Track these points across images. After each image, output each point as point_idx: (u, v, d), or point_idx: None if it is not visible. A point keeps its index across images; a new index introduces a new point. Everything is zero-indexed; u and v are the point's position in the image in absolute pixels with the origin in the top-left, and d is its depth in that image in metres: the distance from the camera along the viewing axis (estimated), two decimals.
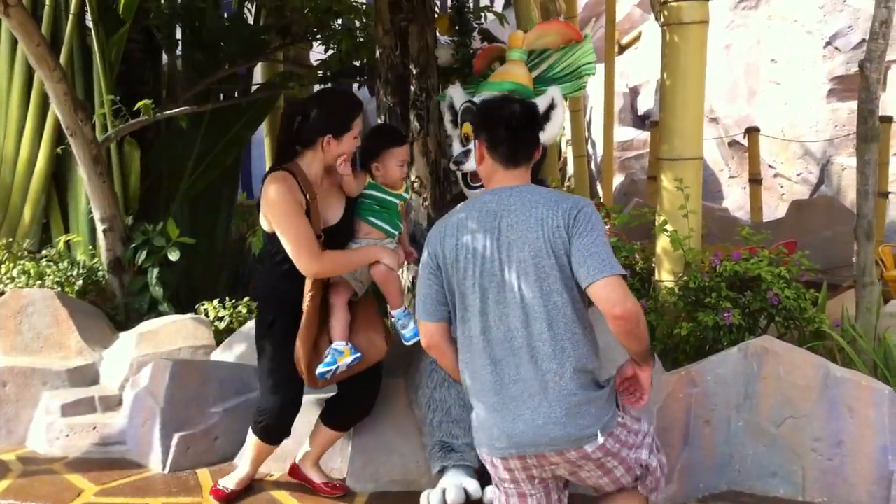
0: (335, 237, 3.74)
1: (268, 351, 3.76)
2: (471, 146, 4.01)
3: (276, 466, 4.15)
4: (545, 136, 4.02)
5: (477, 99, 4.12)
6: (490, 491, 3.62)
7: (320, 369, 3.67)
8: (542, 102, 4.02)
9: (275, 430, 3.83)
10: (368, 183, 3.91)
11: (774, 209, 11.08)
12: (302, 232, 3.54)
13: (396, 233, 3.95)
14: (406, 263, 4.17)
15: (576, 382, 2.75)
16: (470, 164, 4.02)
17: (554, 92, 4.06)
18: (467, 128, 4.12)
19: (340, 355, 3.70)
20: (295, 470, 4.04)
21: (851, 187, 10.55)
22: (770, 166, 11.51)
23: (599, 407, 2.76)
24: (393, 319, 3.88)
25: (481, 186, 3.96)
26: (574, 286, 2.79)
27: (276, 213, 3.55)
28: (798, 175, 11.39)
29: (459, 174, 4.17)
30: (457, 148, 4.21)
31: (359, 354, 3.73)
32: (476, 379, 2.86)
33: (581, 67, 4.20)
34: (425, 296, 2.98)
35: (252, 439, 3.91)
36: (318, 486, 3.96)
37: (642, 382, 2.90)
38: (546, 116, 4.02)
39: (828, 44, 10.96)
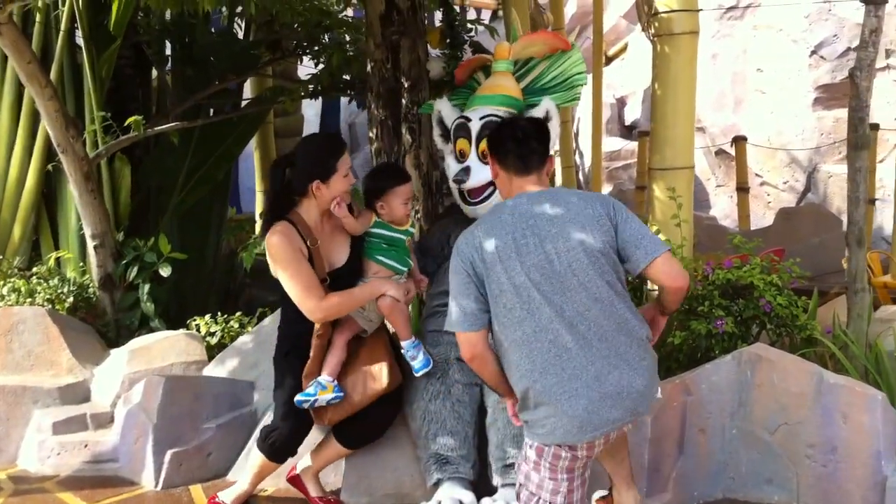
0: (344, 278, 3.80)
1: (283, 379, 3.80)
2: (469, 163, 4.04)
3: (271, 482, 4.13)
4: None
5: (470, 115, 4.12)
6: (485, 503, 3.63)
7: (298, 397, 3.68)
8: (536, 114, 4.05)
9: (282, 450, 3.83)
10: (374, 222, 3.94)
11: (762, 217, 11.13)
12: (304, 280, 3.61)
13: (405, 269, 3.99)
14: (418, 293, 4.17)
15: (643, 349, 2.98)
16: (471, 182, 4.03)
17: (548, 103, 4.07)
18: (462, 144, 4.12)
19: (322, 389, 3.70)
20: (295, 478, 4.02)
21: (837, 194, 10.64)
22: (757, 175, 11.57)
23: (656, 367, 3.07)
24: (403, 351, 3.89)
25: (480, 202, 4.04)
26: (619, 266, 3.01)
27: (279, 263, 3.63)
28: (785, 183, 11.45)
29: (456, 190, 4.18)
30: (452, 164, 4.18)
31: (341, 394, 3.72)
32: (547, 373, 2.90)
33: (572, 77, 4.21)
34: (464, 306, 3.01)
35: (257, 456, 3.88)
36: (314, 499, 3.94)
37: (659, 327, 3.28)
38: None
39: (813, 52, 11.05)
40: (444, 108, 4.34)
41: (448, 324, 3.06)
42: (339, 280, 3.77)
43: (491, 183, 3.97)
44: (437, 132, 4.40)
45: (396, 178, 3.95)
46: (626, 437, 3.43)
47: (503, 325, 2.97)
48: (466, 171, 4.05)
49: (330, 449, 3.92)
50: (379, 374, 3.79)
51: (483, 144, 4.01)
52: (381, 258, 3.94)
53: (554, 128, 4.03)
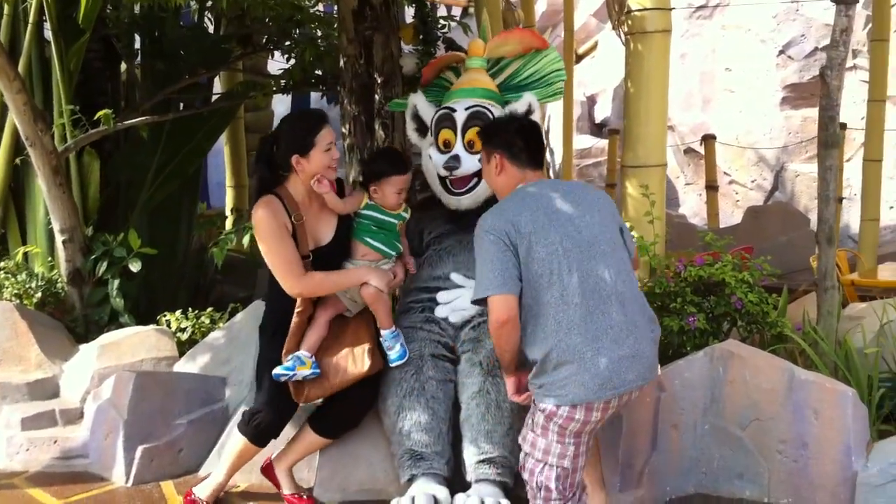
0: (329, 256, 3.82)
1: (268, 358, 3.79)
2: (456, 151, 4.04)
3: (242, 477, 4.11)
4: None
5: (454, 105, 4.11)
6: (459, 499, 3.63)
7: (277, 370, 3.68)
8: (518, 108, 4.06)
9: (266, 432, 3.82)
10: (366, 203, 3.94)
11: (730, 215, 11.23)
12: (284, 254, 3.65)
13: (394, 253, 4.00)
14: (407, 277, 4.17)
15: (652, 322, 3.30)
16: (463, 169, 4.03)
17: (530, 97, 4.09)
18: (447, 134, 4.11)
19: (301, 364, 3.70)
20: (268, 468, 4.00)
21: (805, 193, 10.76)
22: (725, 173, 11.67)
23: (658, 343, 3.36)
24: (381, 339, 3.89)
25: (465, 192, 4.07)
26: (627, 247, 3.37)
27: (261, 236, 3.68)
28: (753, 182, 11.56)
29: (438, 182, 4.16)
30: (435, 155, 4.16)
31: (318, 371, 3.73)
32: (572, 332, 3.09)
33: (550, 74, 4.22)
34: (503, 271, 3.15)
35: (238, 441, 3.86)
36: (287, 497, 3.92)
37: None
38: None
39: (781, 52, 11.16)
40: (420, 103, 4.32)
41: (484, 289, 3.16)
42: (323, 258, 3.79)
43: (476, 174, 3.99)
44: (411, 127, 4.37)
45: (394, 167, 3.95)
46: (599, 441, 3.55)
47: (535, 289, 3.15)
48: (456, 158, 4.04)
49: (305, 440, 3.91)
50: (361, 357, 3.80)
51: (469, 134, 4.03)
52: (369, 240, 3.94)
53: (536, 120, 4.06)
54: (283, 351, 3.72)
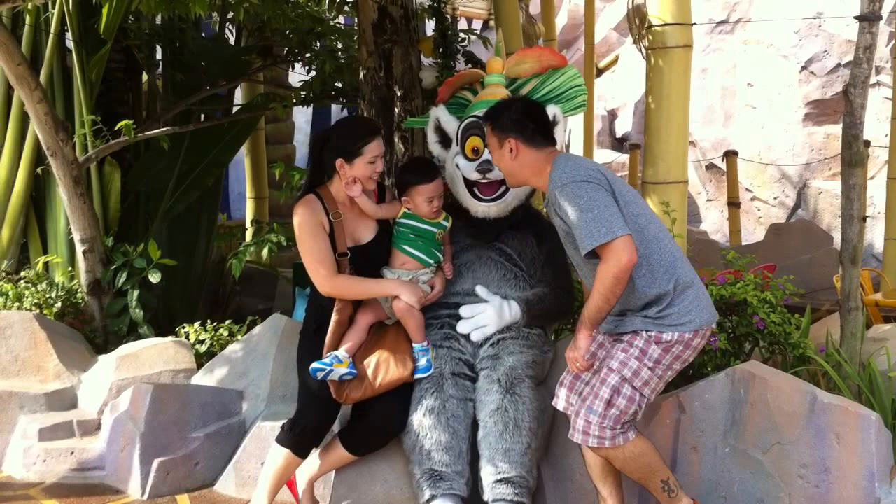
0: (367, 258, 3.91)
1: (306, 360, 3.79)
2: (487, 157, 3.97)
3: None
4: None
5: (481, 113, 4.00)
6: None
7: (314, 365, 3.69)
8: None
9: (308, 440, 3.81)
10: (403, 212, 3.96)
11: (752, 232, 11.16)
12: (316, 252, 3.75)
13: (433, 262, 4.00)
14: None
15: None
16: (496, 172, 3.93)
17: (554, 109, 4.06)
18: (476, 141, 4.08)
19: (339, 362, 3.71)
20: (291, 482, 3.96)
21: (828, 211, 10.67)
22: (747, 189, 11.60)
23: None
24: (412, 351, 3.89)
25: (494, 200, 4.05)
26: None
27: (298, 234, 3.79)
28: (775, 198, 11.48)
29: (466, 189, 4.13)
30: (463, 163, 4.12)
31: (355, 372, 3.74)
32: (682, 260, 3.43)
33: (570, 90, 4.19)
34: (616, 212, 3.25)
35: (277, 458, 3.82)
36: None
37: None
38: None
39: (803, 68, 11.09)
40: (443, 115, 4.31)
41: (605, 233, 3.18)
42: (364, 256, 3.88)
43: (503, 181, 3.96)
44: (433, 139, 4.36)
45: (421, 175, 3.95)
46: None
47: (638, 228, 3.32)
48: (489, 162, 3.96)
49: (333, 454, 3.88)
50: (403, 360, 3.82)
51: None
52: (407, 248, 3.96)
53: (559, 132, 4.03)
54: (324, 349, 3.75)
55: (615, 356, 3.42)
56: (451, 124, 4.28)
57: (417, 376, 3.85)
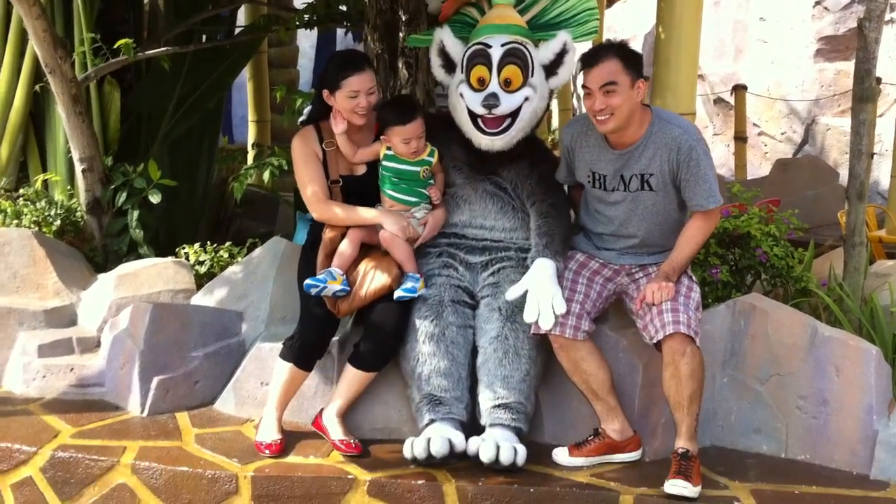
0: (361, 188, 4.02)
1: (304, 275, 3.89)
2: (493, 89, 3.85)
3: (256, 413, 4.11)
4: (557, 80, 4.02)
5: (490, 41, 3.90)
6: (474, 442, 3.62)
7: (308, 281, 3.76)
8: (553, 46, 3.93)
9: (309, 351, 3.87)
10: (384, 154, 3.94)
11: (758, 168, 11.11)
12: (308, 179, 3.95)
13: (419, 201, 3.99)
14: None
15: None
16: (502, 108, 3.85)
17: (565, 36, 3.94)
18: (482, 70, 3.90)
19: (332, 279, 3.78)
20: (317, 420, 3.96)
21: (835, 147, 10.60)
22: (755, 125, 11.51)
23: None
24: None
25: (498, 133, 3.90)
26: None
27: (293, 160, 4.03)
28: (782, 134, 11.40)
29: (470, 121, 3.94)
30: (468, 93, 3.93)
31: (348, 288, 3.79)
32: None
33: (581, 14, 4.04)
34: None
35: (282, 372, 3.89)
36: (333, 442, 3.83)
37: None
38: (559, 62, 3.95)
39: (817, 3, 10.93)
40: (447, 38, 4.09)
41: (718, 198, 3.69)
42: (356, 187, 4.02)
43: (511, 115, 3.88)
44: (437, 63, 4.16)
45: (399, 115, 3.91)
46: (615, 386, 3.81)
47: None
48: (495, 96, 3.84)
49: (346, 378, 3.88)
50: (388, 268, 3.87)
51: (506, 72, 3.86)
52: (390, 192, 3.97)
53: (571, 60, 3.96)
54: (317, 265, 3.87)
55: (681, 281, 3.68)
56: (455, 48, 4.08)
57: (398, 294, 3.80)
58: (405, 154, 3.92)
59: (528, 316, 3.67)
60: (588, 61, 3.68)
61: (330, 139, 3.98)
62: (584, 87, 3.67)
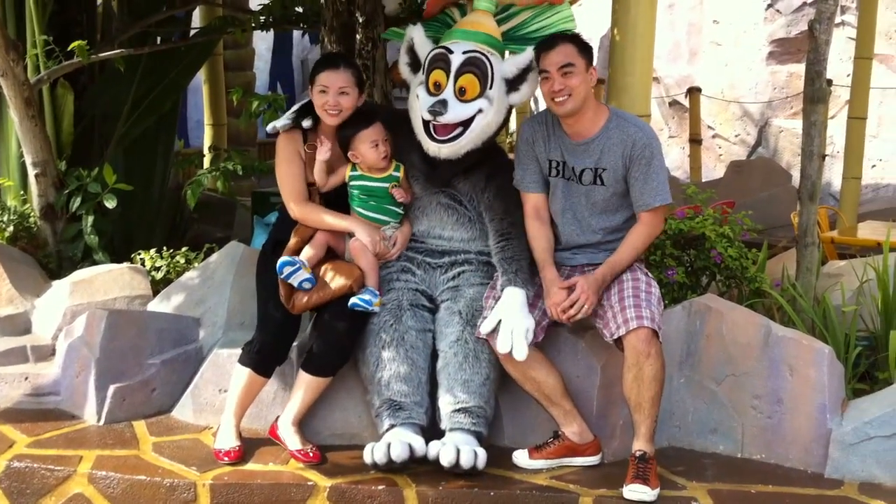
0: (342, 195, 4.05)
1: (265, 279, 3.92)
2: (445, 96, 3.81)
3: (214, 420, 4.08)
4: (518, 96, 3.96)
5: (451, 46, 3.87)
6: (434, 446, 3.63)
7: (284, 257, 3.80)
8: (519, 62, 3.89)
9: (268, 356, 3.84)
10: (350, 174, 3.96)
11: (713, 169, 11.23)
12: (288, 179, 3.97)
13: (391, 220, 4.01)
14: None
15: None
16: (448, 116, 3.80)
17: (533, 54, 3.85)
18: (439, 75, 3.86)
19: (304, 266, 3.78)
20: (273, 429, 3.94)
21: (788, 149, 10.75)
22: (709, 127, 11.64)
23: None
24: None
25: (447, 141, 3.84)
26: None
27: (276, 157, 4.04)
28: (736, 136, 11.54)
29: (421, 126, 3.91)
30: (423, 95, 3.89)
31: (314, 283, 3.80)
32: None
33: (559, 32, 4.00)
34: None
35: (240, 378, 3.86)
36: (291, 452, 3.80)
37: None
38: (522, 78, 3.91)
39: (769, 6, 11.08)
40: (417, 36, 4.03)
41: (667, 196, 3.74)
42: (336, 193, 4.04)
43: (462, 124, 3.84)
44: (404, 59, 4.11)
45: (361, 122, 3.92)
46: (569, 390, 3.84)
47: None
48: (443, 103, 3.79)
49: (300, 385, 3.84)
50: (349, 270, 3.86)
51: (462, 80, 3.82)
52: (361, 211, 3.98)
53: (534, 78, 3.88)
54: (284, 251, 3.87)
55: (639, 278, 3.74)
56: (423, 48, 4.01)
57: (353, 301, 3.77)
58: (375, 160, 3.91)
59: (501, 346, 3.63)
60: (545, 46, 3.75)
61: (313, 142, 4.00)
62: (541, 70, 3.72)
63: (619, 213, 3.83)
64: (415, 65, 4.05)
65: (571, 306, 3.61)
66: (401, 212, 4.04)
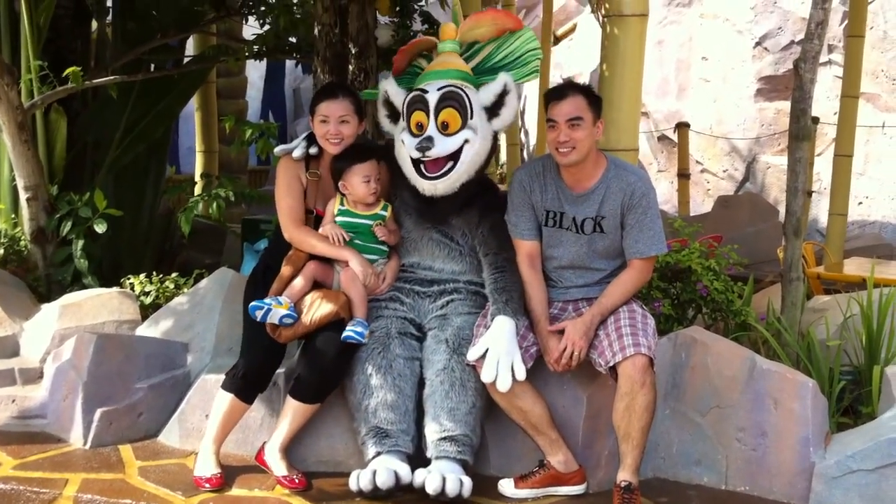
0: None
1: (252, 297, 3.86)
2: (430, 133, 3.86)
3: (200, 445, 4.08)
4: (500, 121, 4.02)
5: (427, 87, 3.94)
6: (420, 474, 3.64)
7: (253, 303, 3.76)
8: (494, 88, 3.95)
9: (251, 383, 3.84)
10: (338, 209, 3.98)
11: (701, 204, 11.29)
12: (286, 203, 4.00)
13: (375, 257, 4.05)
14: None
15: None
16: (437, 150, 3.85)
17: (506, 77, 3.97)
18: (420, 116, 3.92)
19: (279, 304, 3.76)
20: (259, 455, 3.94)
21: (775, 185, 10.83)
22: (697, 162, 11.71)
23: None
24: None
25: (440, 177, 3.88)
26: None
27: (276, 179, 4.08)
28: (724, 171, 11.62)
29: (412, 167, 3.95)
30: (407, 139, 3.94)
31: (295, 316, 3.77)
32: None
33: (526, 54, 4.07)
34: None
35: (222, 403, 3.85)
36: (277, 478, 3.81)
37: None
38: (500, 102, 3.97)
39: (757, 44, 11.19)
40: (391, 88, 4.11)
41: (662, 247, 3.82)
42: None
43: (450, 157, 3.89)
44: (383, 113, 4.17)
45: (355, 157, 3.96)
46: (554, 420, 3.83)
47: None
48: (430, 139, 3.85)
49: (288, 412, 3.85)
50: (336, 297, 3.87)
51: (443, 115, 3.87)
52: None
53: (512, 101, 3.98)
54: (269, 293, 3.85)
55: (635, 310, 3.77)
56: (398, 97, 4.08)
57: (346, 334, 3.78)
58: (364, 195, 3.94)
59: (486, 376, 3.66)
60: (555, 95, 3.80)
61: (314, 170, 4.04)
62: (548, 119, 3.77)
63: (621, 257, 3.88)
64: (393, 115, 4.12)
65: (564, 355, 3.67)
66: (385, 249, 4.08)
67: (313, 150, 4.05)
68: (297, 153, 4.04)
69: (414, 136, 3.93)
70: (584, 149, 3.72)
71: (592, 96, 3.80)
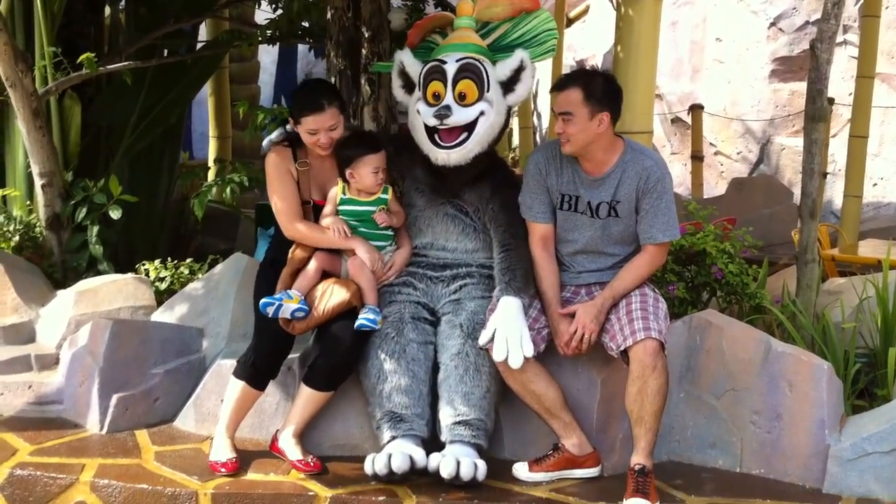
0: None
1: (261, 293, 3.86)
2: (447, 102, 3.87)
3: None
4: (514, 97, 4.03)
5: (445, 58, 3.95)
6: (434, 458, 3.65)
7: (264, 300, 3.75)
8: (511, 63, 3.95)
9: (263, 371, 3.85)
10: (340, 198, 3.96)
11: (714, 186, 11.25)
12: (281, 196, 3.95)
13: (383, 245, 4.04)
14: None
15: None
16: (454, 119, 3.85)
17: (522, 53, 3.98)
18: (437, 86, 3.92)
19: (289, 298, 3.76)
20: (274, 443, 3.96)
21: (789, 167, 10.77)
22: (711, 144, 11.66)
23: None
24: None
25: (454, 147, 3.88)
26: None
27: (267, 176, 4.01)
28: (738, 153, 11.56)
29: (426, 136, 3.94)
30: (423, 108, 3.95)
31: (306, 308, 3.78)
32: None
33: (541, 34, 4.09)
34: None
35: (234, 391, 3.87)
36: (292, 462, 3.83)
37: None
38: (516, 78, 3.98)
39: (772, 24, 11.11)
40: (407, 59, 4.12)
41: (676, 233, 3.81)
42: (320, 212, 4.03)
43: (466, 128, 3.89)
44: (397, 83, 4.19)
45: (367, 147, 3.94)
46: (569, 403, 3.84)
47: None
48: (448, 108, 3.85)
49: (302, 398, 3.86)
50: (347, 284, 3.87)
51: (461, 86, 3.88)
52: None
53: (527, 77, 3.99)
54: (277, 285, 3.85)
55: (647, 294, 3.75)
56: (414, 68, 4.10)
57: (359, 322, 3.79)
58: (371, 185, 3.94)
59: (497, 355, 3.66)
60: (556, 87, 3.80)
61: (304, 159, 4.00)
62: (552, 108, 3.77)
63: (636, 243, 3.87)
64: (408, 86, 4.13)
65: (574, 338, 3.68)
66: (390, 234, 4.07)
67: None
68: (275, 135, 4.08)
69: (430, 105, 3.94)
70: (578, 142, 3.69)
71: (593, 88, 3.69)
